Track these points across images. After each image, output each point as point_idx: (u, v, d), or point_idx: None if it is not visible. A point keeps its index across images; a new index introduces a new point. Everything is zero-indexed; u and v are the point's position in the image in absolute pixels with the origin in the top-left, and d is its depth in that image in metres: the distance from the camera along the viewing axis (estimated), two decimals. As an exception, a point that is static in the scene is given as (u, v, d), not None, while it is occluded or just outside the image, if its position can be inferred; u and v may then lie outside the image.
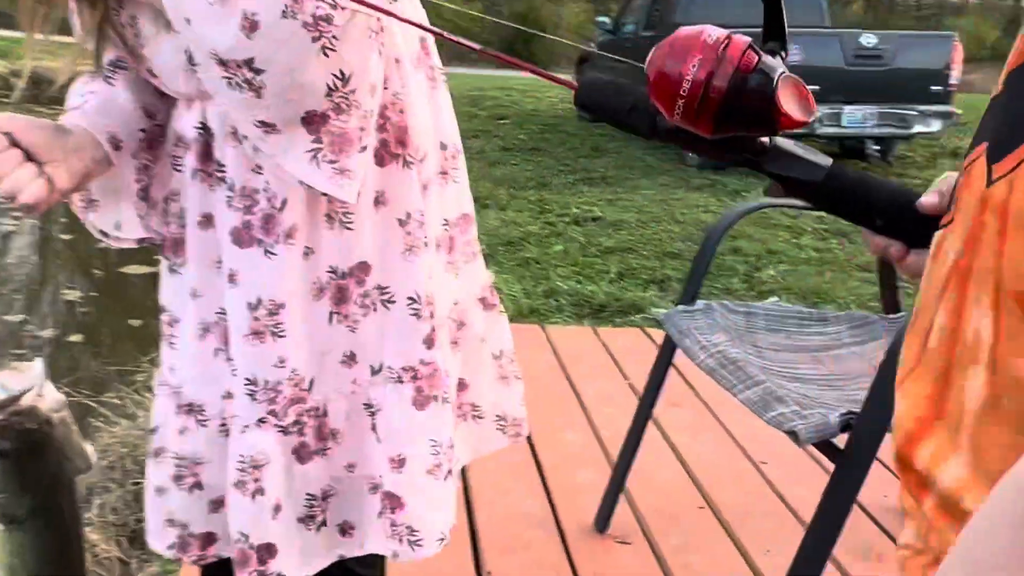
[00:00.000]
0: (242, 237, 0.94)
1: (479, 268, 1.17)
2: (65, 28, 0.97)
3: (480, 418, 1.20)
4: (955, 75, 6.75)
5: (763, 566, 1.74)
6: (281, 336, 0.96)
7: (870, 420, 1.18)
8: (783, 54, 0.57)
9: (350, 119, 0.88)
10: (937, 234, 0.45)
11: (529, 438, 2.23)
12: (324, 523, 1.03)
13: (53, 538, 0.88)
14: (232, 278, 0.95)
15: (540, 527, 1.83)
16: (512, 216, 5.49)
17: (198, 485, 1.02)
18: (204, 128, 0.95)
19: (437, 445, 1.02)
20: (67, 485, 0.89)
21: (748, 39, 0.56)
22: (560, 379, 2.59)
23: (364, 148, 0.92)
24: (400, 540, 1.02)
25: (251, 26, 0.81)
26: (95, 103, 0.98)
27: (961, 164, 0.46)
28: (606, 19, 10.52)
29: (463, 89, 11.68)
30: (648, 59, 0.57)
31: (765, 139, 0.58)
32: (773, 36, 0.59)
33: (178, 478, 1.02)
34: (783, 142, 0.58)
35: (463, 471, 2.05)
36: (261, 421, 0.97)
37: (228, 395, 0.99)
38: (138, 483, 2.31)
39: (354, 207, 0.95)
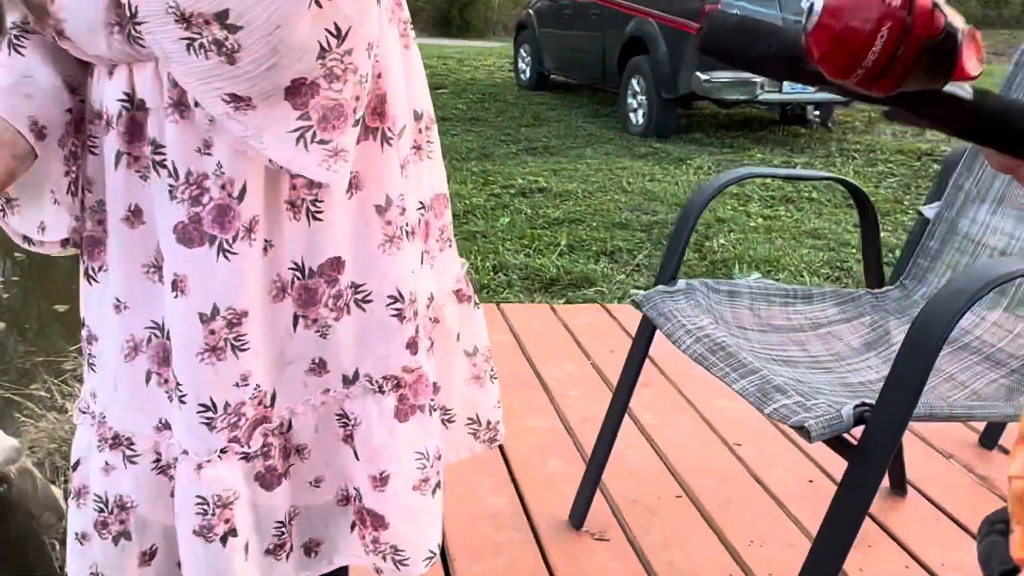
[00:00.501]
0: (190, 235, 0.76)
1: (453, 256, 1.03)
2: None
3: (451, 422, 1.07)
4: (893, 39, 6.77)
5: (749, 559, 1.64)
6: (244, 350, 0.80)
7: (889, 412, 1.08)
8: None
9: (344, 87, 0.71)
10: None
11: (492, 427, 2.11)
12: (292, 548, 0.91)
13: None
14: (178, 285, 0.78)
15: (512, 527, 1.70)
16: (456, 188, 5.32)
17: (125, 534, 0.85)
18: (130, 99, 0.75)
19: (423, 458, 0.90)
20: (37, 547, 0.74)
21: None
22: (520, 361, 2.46)
23: (357, 122, 0.75)
24: (384, 558, 0.91)
25: None
26: (6, 83, 0.78)
27: None
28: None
29: (397, 57, 11.39)
30: (815, 21, 0.50)
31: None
32: None
33: (102, 525, 0.85)
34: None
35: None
36: (223, 452, 0.82)
37: (164, 426, 0.83)
38: (69, 480, 2.13)
39: (324, 193, 0.78)
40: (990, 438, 2.10)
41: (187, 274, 0.77)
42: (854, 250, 4.38)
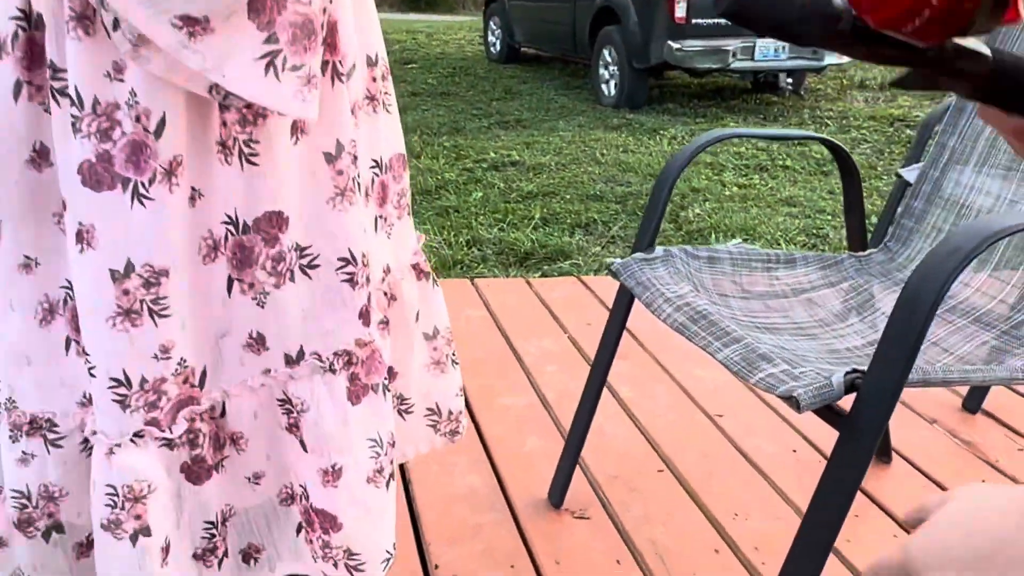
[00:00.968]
0: (98, 176, 0.65)
1: (411, 227, 0.93)
2: None
3: (408, 412, 0.97)
4: (865, 5, 6.73)
5: (734, 532, 1.60)
6: (164, 316, 0.69)
7: (882, 379, 1.02)
8: None
9: None
10: None
11: (468, 405, 2.04)
12: (226, 554, 0.81)
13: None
14: (84, 237, 0.66)
15: (489, 508, 1.64)
16: (427, 163, 5.23)
17: (56, 527, 0.75)
18: (26, 16, 0.63)
19: (377, 445, 0.81)
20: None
21: None
22: (496, 337, 2.39)
23: (323, 40, 0.65)
24: (335, 564, 0.81)
25: None
26: None
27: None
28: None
29: (365, 33, 11.20)
30: None
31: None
32: None
33: (25, 523, 0.74)
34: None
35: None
36: (138, 436, 0.71)
37: (89, 400, 0.72)
38: None
39: (260, 132, 0.67)
40: (973, 402, 2.07)
41: (94, 223, 0.66)
42: (830, 217, 4.35)
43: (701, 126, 6.27)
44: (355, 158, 0.73)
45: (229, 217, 0.70)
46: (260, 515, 0.81)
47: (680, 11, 6.37)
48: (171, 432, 0.72)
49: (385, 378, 0.82)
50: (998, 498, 0.43)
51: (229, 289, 0.72)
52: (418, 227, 4.00)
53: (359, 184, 0.74)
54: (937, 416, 2.05)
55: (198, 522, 0.77)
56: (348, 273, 0.74)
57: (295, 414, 0.77)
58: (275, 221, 0.70)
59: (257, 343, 0.75)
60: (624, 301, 1.57)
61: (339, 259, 0.74)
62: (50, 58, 0.63)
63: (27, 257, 0.70)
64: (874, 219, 4.09)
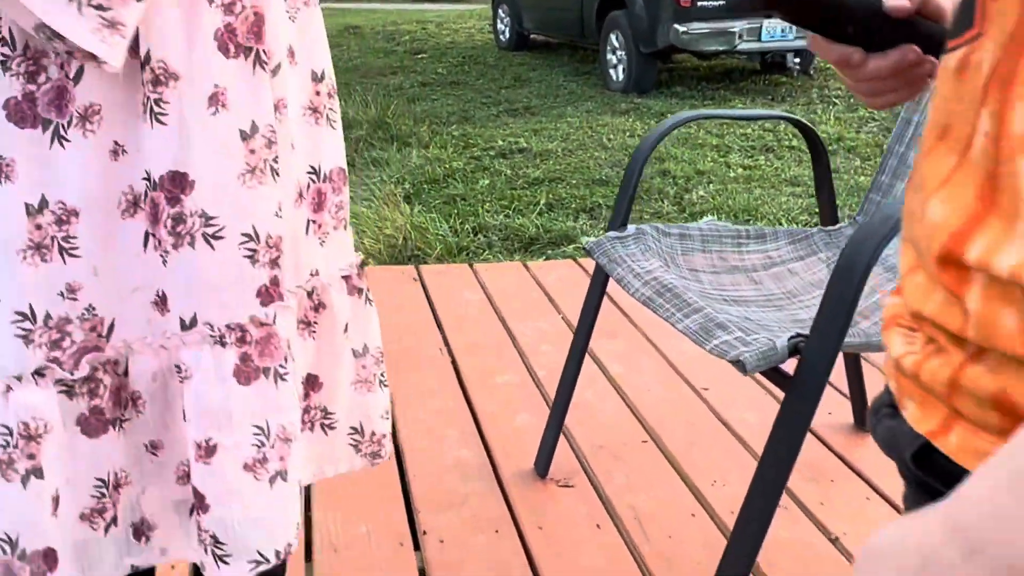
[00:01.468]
0: (23, 113, 0.70)
1: (348, 243, 0.94)
2: None
3: (331, 428, 0.95)
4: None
5: (711, 498, 1.67)
6: (73, 255, 0.73)
7: (821, 342, 1.09)
8: None
9: None
10: (959, 51, 0.47)
11: (462, 383, 2.12)
12: (114, 521, 0.80)
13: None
14: (3, 170, 0.71)
15: (477, 478, 1.72)
16: (436, 153, 5.30)
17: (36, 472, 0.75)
18: None
19: (262, 434, 0.79)
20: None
21: None
22: (492, 319, 2.47)
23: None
24: (206, 549, 0.79)
25: None
26: None
27: None
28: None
29: (378, 25, 11.26)
30: None
31: None
32: None
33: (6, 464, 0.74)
34: None
35: (393, 423, 1.92)
36: (38, 374, 0.73)
37: None
38: None
39: (170, 93, 0.72)
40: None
41: (15, 158, 0.70)
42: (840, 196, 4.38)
43: (710, 109, 6.29)
44: (271, 143, 0.78)
45: (147, 173, 0.74)
46: (157, 491, 0.81)
47: (686, -6, 6.39)
48: (73, 375, 0.74)
49: (282, 367, 0.81)
50: (918, 515, 0.45)
51: (145, 243, 0.76)
52: (424, 215, 4.08)
53: (275, 171, 0.78)
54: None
55: (89, 478, 0.77)
56: (250, 249, 0.77)
57: (182, 381, 0.77)
58: (179, 182, 0.74)
59: (162, 303, 0.77)
60: (601, 276, 1.64)
61: (243, 234, 0.77)
62: None
63: None
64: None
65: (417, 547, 1.53)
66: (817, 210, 4.17)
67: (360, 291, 0.95)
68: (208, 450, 0.77)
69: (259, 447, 0.79)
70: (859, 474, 1.74)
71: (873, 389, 2.07)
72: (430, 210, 4.23)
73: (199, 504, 0.78)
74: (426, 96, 7.06)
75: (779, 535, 1.55)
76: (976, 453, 0.43)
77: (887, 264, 1.58)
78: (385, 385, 0.99)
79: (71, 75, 0.70)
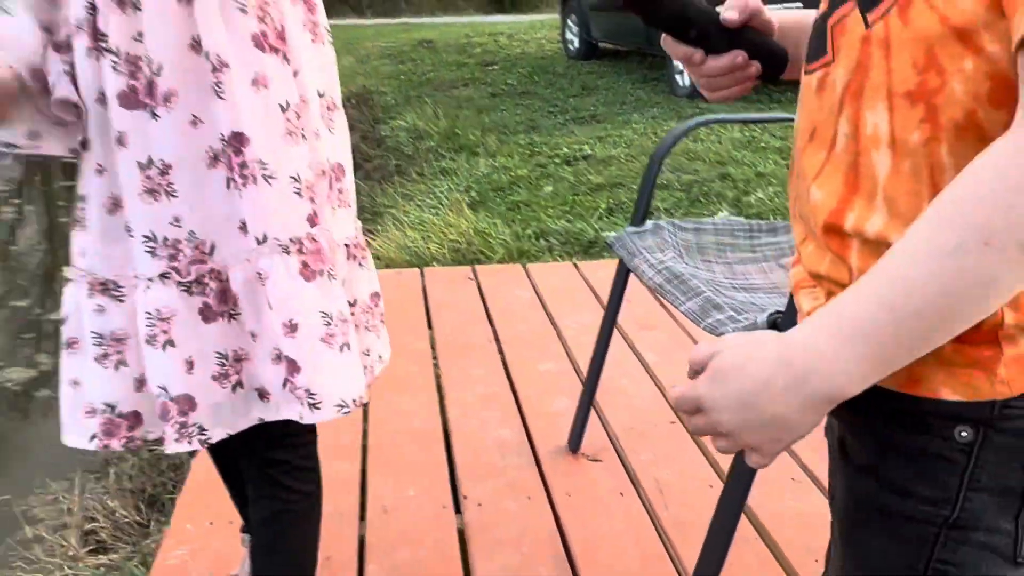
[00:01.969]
0: (129, 100, 0.98)
1: (350, 218, 1.19)
2: None
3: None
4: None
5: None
6: (174, 196, 1.01)
7: (793, 318, 1.22)
8: None
9: None
10: (817, 72, 0.62)
11: (507, 371, 2.30)
12: (240, 384, 1.07)
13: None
14: (121, 140, 1.00)
15: (516, 454, 1.90)
16: (502, 162, 5.49)
17: (123, 362, 1.07)
18: (93, 7, 0.98)
19: (328, 316, 1.06)
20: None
21: None
22: (539, 314, 2.64)
23: None
24: (301, 402, 1.05)
25: None
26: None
27: (816, 19, 0.64)
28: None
29: (450, 38, 11.57)
30: None
31: None
32: None
33: (103, 356, 1.06)
34: None
35: (441, 404, 2.11)
36: (164, 276, 1.02)
37: (137, 276, 1.03)
38: (153, 450, 2.40)
39: (223, 76, 0.98)
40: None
41: (127, 130, 0.99)
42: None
43: (776, 112, 6.32)
44: (299, 116, 1.04)
45: (222, 135, 1.01)
46: (262, 366, 1.07)
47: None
48: (186, 278, 1.02)
49: (332, 267, 1.07)
50: (758, 347, 0.55)
51: (228, 185, 1.03)
52: (488, 221, 4.27)
53: (304, 135, 1.05)
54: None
55: (211, 351, 1.04)
56: (296, 187, 1.05)
57: (264, 282, 1.04)
58: (239, 138, 1.01)
59: (243, 228, 1.04)
60: (624, 269, 1.80)
61: (290, 176, 1.04)
62: (102, 29, 0.98)
63: (100, 164, 1.04)
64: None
65: (458, 510, 1.71)
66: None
67: (355, 257, 1.19)
68: (292, 327, 1.03)
69: (327, 325, 1.05)
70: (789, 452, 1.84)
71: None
72: (494, 216, 4.41)
73: (292, 369, 1.04)
74: (495, 106, 7.27)
75: (789, 505, 1.68)
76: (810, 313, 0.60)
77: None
78: (374, 328, 1.25)
79: (155, 71, 0.98)
